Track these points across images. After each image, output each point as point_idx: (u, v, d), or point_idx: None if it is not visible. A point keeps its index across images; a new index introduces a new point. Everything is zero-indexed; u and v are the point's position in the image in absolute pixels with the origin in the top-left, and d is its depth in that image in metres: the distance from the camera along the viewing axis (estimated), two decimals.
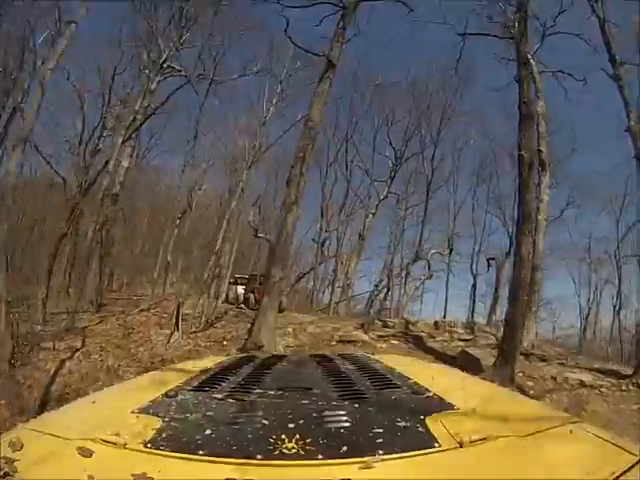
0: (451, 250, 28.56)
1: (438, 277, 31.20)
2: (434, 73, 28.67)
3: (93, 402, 1.47)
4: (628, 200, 23.45)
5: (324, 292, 31.22)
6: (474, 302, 30.57)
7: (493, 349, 11.81)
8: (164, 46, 16.72)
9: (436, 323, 16.02)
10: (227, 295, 27.96)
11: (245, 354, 2.51)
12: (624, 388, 9.77)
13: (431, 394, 1.31)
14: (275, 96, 18.68)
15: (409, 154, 29.46)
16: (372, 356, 2.17)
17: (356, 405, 1.21)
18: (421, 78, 29.13)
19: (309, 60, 16.67)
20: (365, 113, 30.13)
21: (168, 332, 13.15)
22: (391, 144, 29.93)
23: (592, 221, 33.44)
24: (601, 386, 9.77)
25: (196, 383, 1.52)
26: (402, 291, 29.44)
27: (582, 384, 9.82)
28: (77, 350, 11.46)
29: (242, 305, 23.23)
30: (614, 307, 21.89)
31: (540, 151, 13.95)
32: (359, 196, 30.60)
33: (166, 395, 1.36)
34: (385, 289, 30.57)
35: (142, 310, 16.13)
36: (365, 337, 13.90)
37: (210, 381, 1.53)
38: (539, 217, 13.79)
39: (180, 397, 1.34)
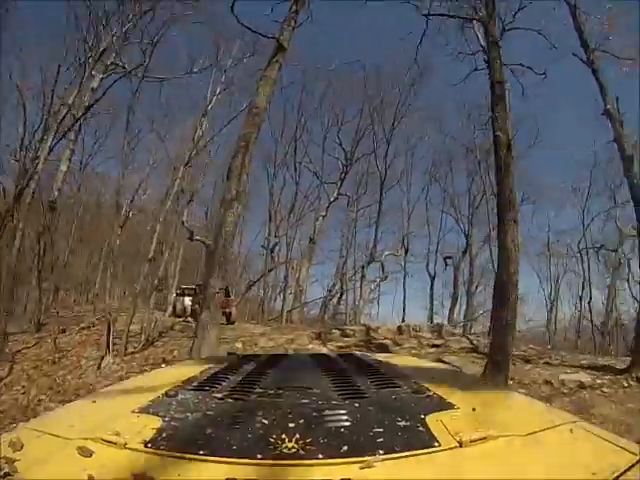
0: (406, 251, 27.23)
1: (395, 279, 30.77)
2: (389, 65, 28.46)
3: (93, 402, 1.41)
4: (593, 190, 22.31)
5: (276, 300, 30.07)
6: (433, 303, 28.58)
7: (467, 353, 11.42)
8: (106, 39, 15.36)
9: (400, 328, 14.94)
10: (174, 307, 26.28)
11: (245, 354, 2.39)
12: (625, 385, 9.17)
13: (431, 393, 1.29)
14: (219, 86, 16.08)
15: (360, 154, 28.80)
16: (372, 355, 2.14)
17: (356, 404, 1.19)
18: (375, 72, 28.29)
19: (258, 47, 15.91)
20: (315, 112, 29.37)
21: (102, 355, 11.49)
22: (341, 145, 29.09)
23: (550, 216, 32.15)
24: (601, 385, 9.10)
25: (196, 383, 1.46)
26: (357, 295, 28.65)
27: (581, 385, 9.08)
28: (0, 380, 10.05)
29: (189, 318, 21.61)
30: (580, 298, 21.13)
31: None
32: (309, 198, 29.71)
33: (166, 395, 1.30)
34: (339, 293, 29.69)
35: (82, 329, 14.80)
36: (324, 350, 12.68)
37: (210, 381, 1.47)
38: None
39: (180, 397, 1.28)
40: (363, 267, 27.17)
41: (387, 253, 29.03)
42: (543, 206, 28.75)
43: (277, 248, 28.20)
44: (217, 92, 16.88)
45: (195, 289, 23.75)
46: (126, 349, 12.19)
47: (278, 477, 0.87)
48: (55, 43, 17.07)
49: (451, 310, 29.20)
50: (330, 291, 30.15)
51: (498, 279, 8.41)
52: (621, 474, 0.83)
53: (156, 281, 15.79)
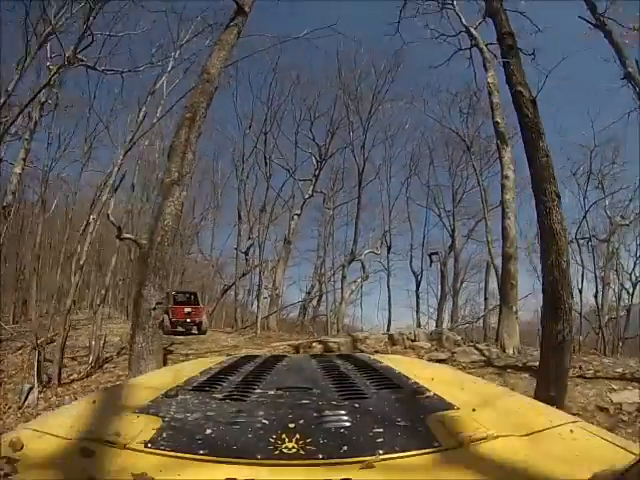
0: (389, 248, 25.11)
1: (378, 278, 29.80)
2: (366, 52, 26.43)
3: (93, 402, 1.37)
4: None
5: (252, 304, 28.58)
6: (418, 302, 26.67)
7: (481, 368, 9.39)
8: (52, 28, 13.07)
9: (392, 337, 12.70)
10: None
11: (245, 354, 2.37)
12: None
13: (431, 394, 1.28)
14: (170, 62, 13.28)
15: (334, 149, 27.46)
16: (372, 356, 2.11)
17: (356, 405, 1.18)
18: (350, 57, 26.69)
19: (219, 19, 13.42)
20: (285, 103, 27.45)
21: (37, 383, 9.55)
22: (314, 140, 27.72)
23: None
24: None
25: (196, 383, 1.45)
26: (338, 296, 26.94)
27: None
28: None
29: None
30: (580, 291, 19.06)
31: (497, 123, 13.05)
32: (282, 197, 28.08)
33: (166, 395, 1.30)
34: (317, 295, 28.55)
35: (20, 348, 12.48)
36: None
37: (210, 381, 1.47)
38: (506, 197, 12.37)
39: (180, 397, 1.28)
40: (343, 267, 25.51)
41: (367, 251, 27.65)
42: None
43: (252, 250, 26.49)
44: (169, 69, 13.91)
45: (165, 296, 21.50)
46: (60, 378, 10.07)
47: (278, 477, 0.86)
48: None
49: (439, 309, 26.76)
50: (309, 293, 28.99)
51: (547, 278, 6.16)
52: (621, 474, 0.83)
53: (103, 291, 12.83)
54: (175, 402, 1.24)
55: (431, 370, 1.92)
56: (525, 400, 1.54)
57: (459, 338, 12.58)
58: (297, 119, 27.05)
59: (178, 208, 7.42)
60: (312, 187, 26.35)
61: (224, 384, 1.44)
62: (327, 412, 1.12)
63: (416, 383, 1.41)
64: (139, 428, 1.05)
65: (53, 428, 1.12)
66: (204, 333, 19.60)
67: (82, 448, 0.95)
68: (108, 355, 12.03)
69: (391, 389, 1.34)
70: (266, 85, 25.33)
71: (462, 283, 28.91)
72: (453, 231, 27.68)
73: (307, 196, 26.41)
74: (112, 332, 18.99)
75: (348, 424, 1.06)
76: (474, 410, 1.15)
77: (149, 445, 0.97)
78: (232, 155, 27.86)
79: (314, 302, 27.84)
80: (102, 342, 11.53)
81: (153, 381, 1.64)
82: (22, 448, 0.98)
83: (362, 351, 10.96)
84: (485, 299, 25.82)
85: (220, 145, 30.04)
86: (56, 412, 1.47)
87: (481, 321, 24.83)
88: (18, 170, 14.74)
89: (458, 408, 1.16)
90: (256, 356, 2.11)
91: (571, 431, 1.08)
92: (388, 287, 27.39)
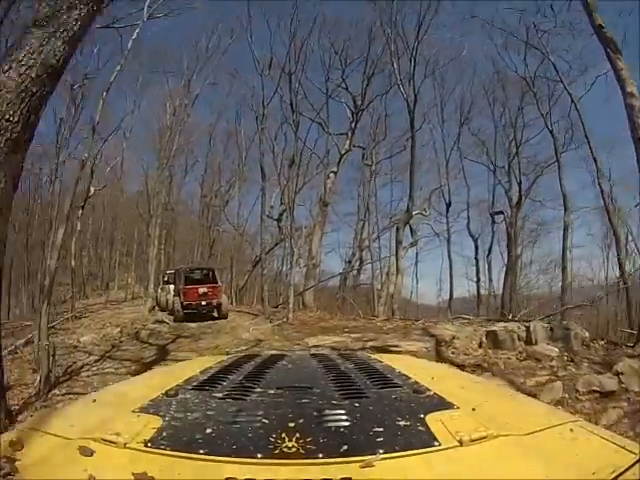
0: (448, 206, 20.07)
1: (427, 243, 26.14)
2: None
3: (93, 401, 1.40)
4: None
5: (287, 276, 23.93)
6: (478, 272, 25.01)
7: None
8: None
9: (493, 335, 8.35)
10: (157, 299, 20.24)
11: (245, 354, 2.36)
12: None
13: (431, 393, 1.26)
14: None
15: (372, 96, 22.67)
16: (372, 355, 2.09)
17: (356, 404, 1.17)
18: None
19: None
20: (310, 44, 21.86)
21: None
22: (347, 89, 23.04)
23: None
24: None
25: (196, 382, 1.43)
26: (383, 264, 23.68)
27: None
28: None
29: (165, 319, 15.96)
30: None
31: (600, 27, 9.29)
32: (316, 154, 24.14)
33: (166, 394, 1.29)
34: (358, 262, 24.78)
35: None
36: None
37: (210, 380, 1.44)
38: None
39: (180, 396, 1.28)
40: (397, 229, 21.84)
41: (414, 212, 22.78)
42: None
43: (285, 216, 23.17)
44: None
45: (174, 274, 18.68)
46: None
47: (278, 477, 0.87)
48: None
49: (506, 279, 23.47)
50: (349, 262, 25.46)
51: None
52: (621, 474, 0.82)
53: (47, 281, 9.37)
54: (175, 401, 1.24)
55: (431, 369, 1.92)
56: (525, 400, 1.53)
57: (586, 335, 8.50)
58: (326, 65, 23.13)
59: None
60: (349, 141, 22.95)
61: (224, 383, 1.42)
62: (327, 411, 1.11)
63: (416, 382, 1.38)
64: (139, 427, 1.05)
65: (53, 428, 1.12)
66: (225, 317, 16.60)
67: (82, 448, 0.95)
68: (74, 366, 9.21)
69: (391, 388, 1.32)
70: (286, 26, 21.06)
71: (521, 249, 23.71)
72: (520, 186, 23.83)
73: (344, 151, 22.73)
74: (118, 319, 14.69)
75: (348, 423, 1.05)
76: (474, 410, 1.12)
77: (149, 444, 0.97)
78: (250, 102, 24.52)
79: (354, 272, 25.23)
80: (50, 357, 7.98)
81: (153, 380, 1.68)
82: (22, 448, 0.99)
83: (451, 362, 7.64)
84: (563, 269, 20.38)
85: (242, 103, 27.14)
86: (56, 412, 1.43)
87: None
88: None
89: (458, 408, 1.14)
90: (256, 355, 2.07)
91: (571, 430, 1.06)
92: (449, 254, 24.27)
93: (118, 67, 11.95)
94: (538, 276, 27.83)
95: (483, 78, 24.37)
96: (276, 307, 19.86)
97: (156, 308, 19.20)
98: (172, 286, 17.86)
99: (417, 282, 27.96)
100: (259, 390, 1.30)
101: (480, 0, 19.27)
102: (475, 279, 24.92)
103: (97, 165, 21.15)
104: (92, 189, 19.16)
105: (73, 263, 17.52)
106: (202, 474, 0.86)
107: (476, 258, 25.01)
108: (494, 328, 8.91)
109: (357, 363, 1.73)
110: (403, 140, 23.81)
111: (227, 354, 2.18)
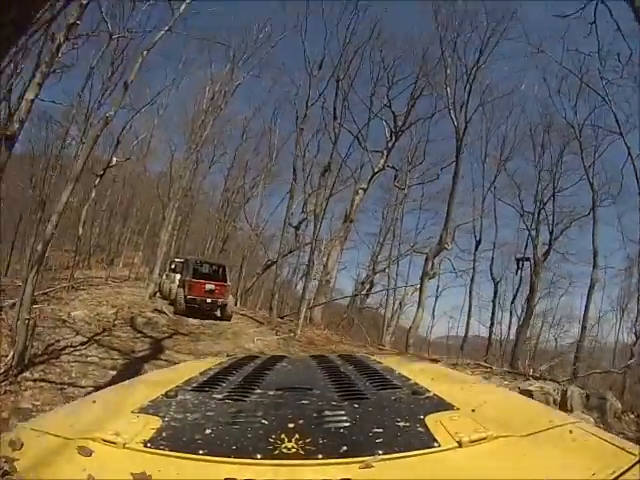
0: (477, 243, 19.04)
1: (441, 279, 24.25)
2: None
3: (93, 402, 1.39)
4: None
5: (296, 285, 26.17)
6: (494, 314, 23.44)
7: None
8: None
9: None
10: (160, 286, 18.93)
11: (245, 354, 2.44)
12: None
13: (431, 394, 1.26)
14: None
15: (414, 118, 21.89)
16: (372, 357, 2.06)
17: (356, 405, 1.17)
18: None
19: None
20: (362, 56, 21.16)
21: None
22: (390, 106, 22.06)
23: None
24: None
25: (196, 383, 1.45)
26: (398, 293, 22.58)
27: None
28: None
29: (165, 309, 14.43)
30: None
31: None
32: (348, 166, 22.64)
33: (166, 395, 1.30)
34: (368, 285, 23.51)
35: None
36: None
37: (210, 381, 1.46)
38: None
39: (180, 397, 1.28)
40: (427, 260, 20.18)
41: (435, 244, 21.37)
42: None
43: (303, 225, 22.85)
44: None
45: (182, 263, 17.39)
46: None
47: (278, 477, 0.87)
48: None
49: (520, 329, 21.92)
50: (363, 283, 24.27)
51: None
52: (621, 474, 0.82)
53: (40, 246, 8.18)
54: (175, 402, 1.24)
55: (431, 371, 1.86)
56: (525, 400, 1.52)
57: (619, 406, 7.66)
58: (374, 78, 22.56)
59: None
60: (384, 160, 22.12)
61: (224, 384, 1.43)
62: (327, 412, 1.12)
63: (416, 384, 1.38)
64: (138, 428, 1.05)
65: (52, 427, 1.13)
66: (228, 319, 15.50)
67: (81, 448, 0.96)
68: (56, 345, 8.30)
69: (390, 390, 1.32)
70: (341, 31, 20.80)
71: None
72: (535, 237, 22.65)
73: (377, 169, 21.84)
74: (115, 299, 13.43)
75: (348, 424, 1.05)
76: (474, 410, 1.12)
77: (149, 445, 0.98)
78: (293, 100, 23.87)
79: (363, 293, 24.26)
80: (30, 331, 7.26)
81: (153, 381, 1.67)
82: (22, 447, 0.99)
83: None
84: (583, 328, 19.13)
85: (281, 101, 26.94)
86: (55, 412, 1.49)
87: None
88: (31, 96, 10.46)
89: (458, 408, 1.14)
90: (256, 357, 2.07)
91: (570, 432, 1.05)
92: (470, 292, 23.01)
93: (166, 28, 11.09)
94: (549, 329, 26.88)
95: (530, 118, 23.56)
96: (282, 317, 19.02)
97: (157, 295, 18.32)
98: (178, 275, 16.75)
99: (433, 317, 26.71)
100: (259, 391, 1.31)
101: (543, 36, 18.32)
102: (489, 323, 23.35)
103: (124, 136, 20.51)
104: (114, 159, 18.21)
105: (81, 231, 16.51)
106: (202, 474, 0.87)
107: (493, 301, 23.75)
108: (530, 387, 7.69)
109: (356, 365, 1.73)
110: (437, 169, 23.25)
111: (227, 356, 2.22)
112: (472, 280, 23.37)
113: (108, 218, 33.29)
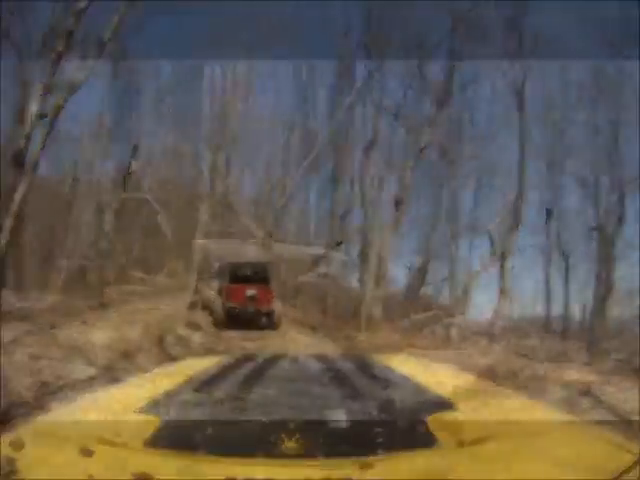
0: (549, 213, 18.68)
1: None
2: None
3: (93, 401, 1.42)
4: None
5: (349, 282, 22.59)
6: (568, 293, 20.57)
7: None
8: None
9: None
10: (201, 294, 15.75)
11: (245, 354, 2.56)
12: None
13: (432, 394, 1.27)
14: None
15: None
16: (372, 356, 2.11)
17: (356, 405, 1.18)
18: None
19: None
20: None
21: None
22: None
23: None
24: None
25: (196, 382, 1.44)
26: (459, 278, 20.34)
27: None
28: None
29: (202, 322, 12.95)
30: None
31: None
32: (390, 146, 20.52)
33: (166, 395, 1.32)
34: (423, 273, 21.06)
35: None
36: None
37: (211, 380, 1.46)
38: None
39: (180, 397, 1.30)
40: (491, 237, 17.89)
41: (497, 220, 18.97)
42: None
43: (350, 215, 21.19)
44: None
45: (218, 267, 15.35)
46: None
47: (278, 476, 0.87)
48: None
49: (598, 305, 18.98)
50: (419, 270, 21.38)
51: None
52: (621, 474, 0.81)
53: None
54: (175, 402, 1.26)
55: (432, 370, 1.88)
56: (525, 400, 1.50)
57: None
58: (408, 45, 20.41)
59: None
60: (428, 135, 19.90)
61: (224, 384, 1.44)
62: (327, 412, 1.12)
63: (416, 383, 1.40)
64: (139, 428, 1.08)
65: (53, 427, 1.16)
66: (276, 328, 13.28)
67: (82, 448, 0.97)
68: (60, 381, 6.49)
69: (391, 389, 1.32)
70: None
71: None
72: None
73: (422, 145, 19.39)
74: (146, 315, 11.24)
75: (348, 424, 1.07)
76: (475, 410, 1.13)
77: (149, 444, 1.02)
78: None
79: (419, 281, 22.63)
80: None
81: (153, 381, 1.67)
82: (22, 448, 1.00)
83: None
84: None
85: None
86: (56, 412, 1.46)
87: None
88: (34, 109, 9.84)
89: (458, 408, 1.14)
90: (256, 356, 2.13)
91: (571, 431, 1.06)
92: (547, 278, 20.83)
93: None
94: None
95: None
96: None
97: (199, 305, 16.10)
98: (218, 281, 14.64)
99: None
100: (259, 390, 1.33)
101: None
102: (563, 301, 21.10)
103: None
104: (133, 163, 16.22)
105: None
106: (202, 474, 0.88)
107: (566, 276, 21.11)
108: None
109: (357, 364, 1.74)
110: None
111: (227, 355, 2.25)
112: (550, 255, 21.04)
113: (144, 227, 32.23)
